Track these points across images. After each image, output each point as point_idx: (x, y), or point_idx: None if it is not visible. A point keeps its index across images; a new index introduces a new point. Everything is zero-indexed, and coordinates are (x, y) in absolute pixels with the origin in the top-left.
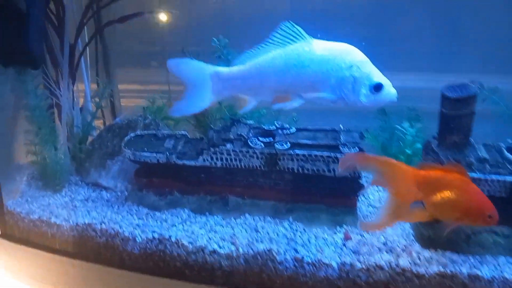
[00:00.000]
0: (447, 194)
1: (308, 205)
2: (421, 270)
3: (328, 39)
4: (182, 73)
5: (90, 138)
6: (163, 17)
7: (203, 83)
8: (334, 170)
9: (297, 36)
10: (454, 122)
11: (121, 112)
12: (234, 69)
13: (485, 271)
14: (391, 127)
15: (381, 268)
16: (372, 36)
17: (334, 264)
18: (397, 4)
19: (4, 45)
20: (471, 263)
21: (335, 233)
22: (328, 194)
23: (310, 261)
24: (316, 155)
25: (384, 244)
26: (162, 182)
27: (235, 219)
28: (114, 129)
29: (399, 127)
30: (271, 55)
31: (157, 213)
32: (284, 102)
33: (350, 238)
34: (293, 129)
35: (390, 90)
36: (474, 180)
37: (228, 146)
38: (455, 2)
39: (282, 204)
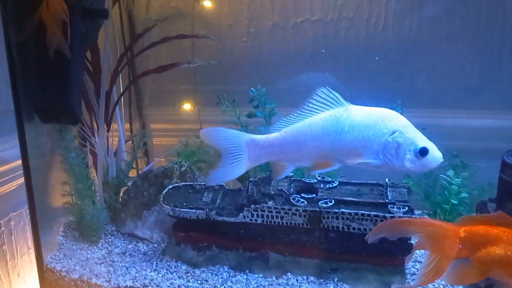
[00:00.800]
0: (494, 249)
1: (353, 264)
2: None
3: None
4: (217, 142)
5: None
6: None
7: (239, 151)
8: None
9: (335, 102)
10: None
11: (153, 150)
12: (271, 136)
13: None
14: (434, 174)
15: None
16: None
17: None
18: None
19: (45, 102)
20: None
21: None
22: (375, 254)
23: None
24: (363, 214)
25: None
26: (200, 236)
27: (276, 278)
28: (150, 178)
29: (444, 176)
30: (308, 121)
31: (197, 271)
32: (324, 168)
33: None
34: (336, 183)
35: (435, 154)
36: None
37: (270, 203)
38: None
39: (326, 263)
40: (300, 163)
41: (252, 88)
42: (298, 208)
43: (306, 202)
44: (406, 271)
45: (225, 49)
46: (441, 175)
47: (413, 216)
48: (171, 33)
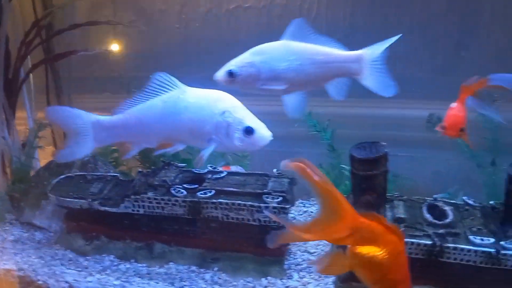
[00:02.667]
0: (374, 252)
1: (234, 254)
2: None
3: None
4: (62, 121)
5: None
6: (115, 47)
7: (84, 132)
8: (259, 220)
9: (172, 85)
10: (366, 183)
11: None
12: (115, 118)
13: None
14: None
15: None
16: None
17: None
18: None
19: None
20: None
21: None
22: (255, 244)
23: None
24: (239, 204)
25: None
26: (90, 226)
27: (159, 267)
28: (51, 167)
29: (345, 167)
30: (149, 103)
31: (81, 259)
32: (166, 148)
33: None
34: (224, 173)
35: (263, 132)
36: None
37: (150, 194)
38: None
39: (209, 253)
40: (145, 144)
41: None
42: (178, 198)
43: (185, 192)
44: (290, 261)
45: (157, 35)
46: (341, 165)
47: (286, 206)
48: (100, 19)
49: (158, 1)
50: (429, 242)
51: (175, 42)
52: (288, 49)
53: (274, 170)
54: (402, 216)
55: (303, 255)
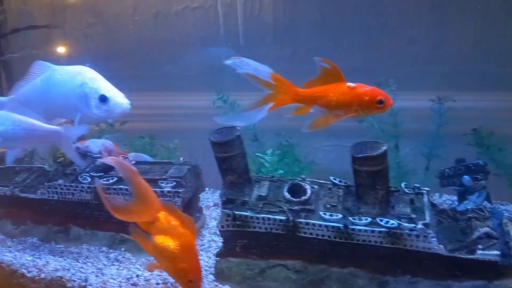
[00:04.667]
0: (168, 242)
1: None
2: None
3: None
4: None
5: None
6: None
7: None
8: None
9: (47, 68)
10: (225, 164)
11: None
12: (3, 99)
13: None
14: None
15: None
16: None
17: None
18: None
19: None
20: None
21: None
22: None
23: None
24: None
25: None
26: (17, 212)
27: (75, 248)
28: None
29: (260, 155)
30: (32, 83)
31: (8, 241)
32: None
33: None
34: (132, 162)
35: (118, 100)
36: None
37: (60, 181)
38: None
39: (118, 235)
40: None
41: None
42: (84, 185)
43: (90, 179)
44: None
45: (114, 36)
46: (257, 153)
47: (180, 190)
48: (59, 22)
49: (113, 5)
50: (283, 218)
51: (130, 42)
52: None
53: (181, 159)
54: (264, 194)
55: (210, 237)
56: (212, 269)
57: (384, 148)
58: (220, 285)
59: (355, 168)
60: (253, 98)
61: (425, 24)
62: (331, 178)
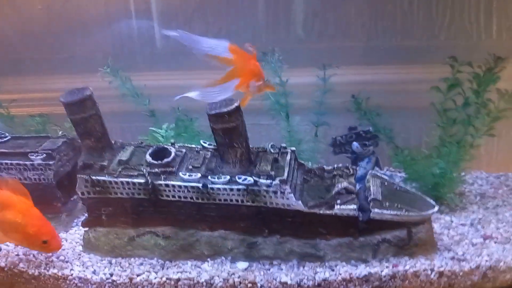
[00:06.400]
0: (5, 215)
1: None
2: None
3: None
4: None
5: None
6: None
7: None
8: (29, 178)
9: None
10: (79, 127)
11: None
12: None
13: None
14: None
15: None
16: None
17: None
18: None
19: None
20: (133, 265)
21: None
22: (35, 201)
23: None
24: (7, 163)
25: None
26: None
27: None
28: None
29: (155, 129)
30: None
31: None
32: None
33: None
34: (9, 137)
35: None
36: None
37: None
38: None
39: None
40: None
41: None
42: None
43: None
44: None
45: (23, 16)
46: (151, 128)
47: (50, 163)
48: None
49: None
50: (142, 181)
51: (39, 22)
52: None
53: (60, 132)
54: (124, 158)
55: None
56: None
57: (236, 104)
58: (86, 255)
59: (211, 127)
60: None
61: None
62: (201, 141)
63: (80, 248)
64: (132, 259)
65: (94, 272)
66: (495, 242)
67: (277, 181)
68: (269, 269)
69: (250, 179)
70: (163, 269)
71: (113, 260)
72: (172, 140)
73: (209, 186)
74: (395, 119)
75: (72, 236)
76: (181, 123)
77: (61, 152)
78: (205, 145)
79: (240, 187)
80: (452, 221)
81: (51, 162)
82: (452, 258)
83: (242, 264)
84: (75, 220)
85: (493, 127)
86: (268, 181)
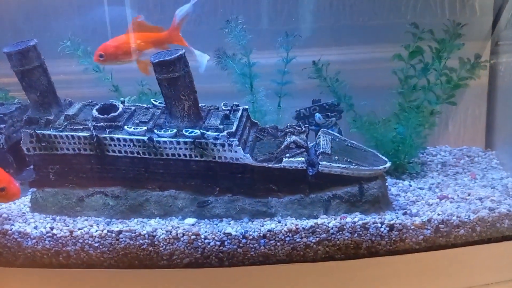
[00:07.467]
0: None
1: None
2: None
3: None
4: None
5: None
6: None
7: None
8: None
9: None
10: (24, 80)
11: None
12: None
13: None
14: None
15: None
16: None
17: None
18: None
19: None
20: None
21: None
22: None
23: None
24: None
25: None
26: None
27: None
28: None
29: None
30: None
31: None
32: None
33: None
34: None
35: None
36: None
37: None
38: None
39: None
40: None
41: None
42: None
43: None
44: None
45: None
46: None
47: (1, 126)
48: None
49: None
50: (87, 134)
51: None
52: None
53: (16, 100)
54: (71, 113)
55: None
56: None
57: (181, 52)
58: (30, 213)
59: (157, 78)
60: None
61: None
62: (152, 100)
63: (28, 209)
64: (78, 218)
65: (35, 228)
66: (451, 202)
67: (224, 133)
68: (217, 224)
69: (197, 132)
70: (108, 225)
71: (58, 217)
72: (122, 98)
73: (155, 139)
74: (361, 96)
75: (22, 200)
76: (144, 96)
77: (14, 118)
78: (156, 103)
79: (187, 139)
80: (410, 185)
81: (2, 126)
82: (404, 214)
83: (190, 220)
84: (30, 190)
85: (453, 94)
86: (216, 133)
